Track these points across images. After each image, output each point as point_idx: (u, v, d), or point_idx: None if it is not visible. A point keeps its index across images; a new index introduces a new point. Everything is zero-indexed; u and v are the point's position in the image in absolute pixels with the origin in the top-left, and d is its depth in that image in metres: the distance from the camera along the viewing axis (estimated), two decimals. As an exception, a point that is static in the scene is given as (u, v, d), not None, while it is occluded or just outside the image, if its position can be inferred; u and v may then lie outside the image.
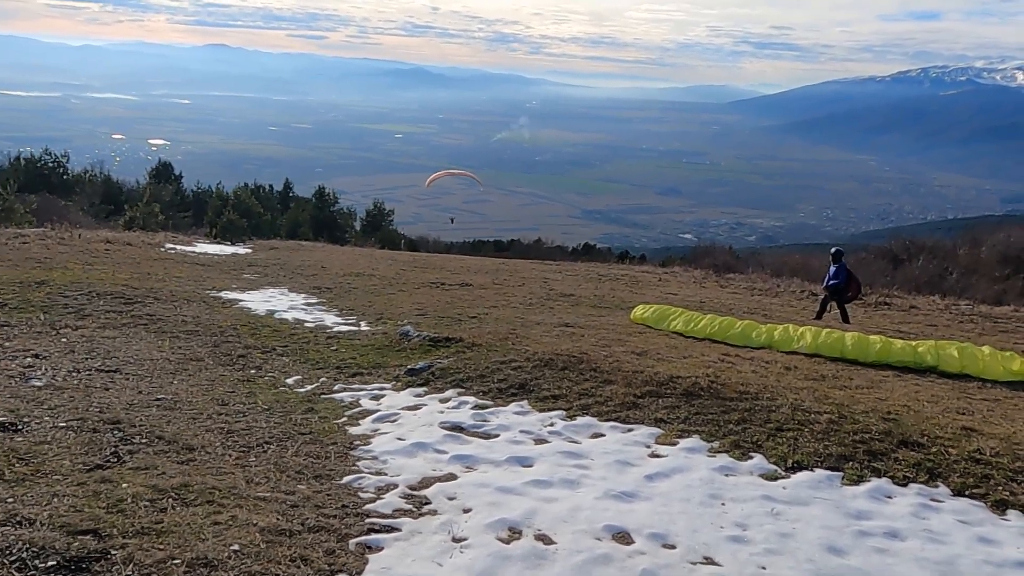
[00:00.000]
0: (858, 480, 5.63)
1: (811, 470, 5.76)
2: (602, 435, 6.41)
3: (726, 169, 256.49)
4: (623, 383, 7.45)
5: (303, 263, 21.10)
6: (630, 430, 6.50)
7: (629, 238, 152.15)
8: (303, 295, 13.87)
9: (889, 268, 40.75)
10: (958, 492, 5.50)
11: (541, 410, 6.92)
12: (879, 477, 5.69)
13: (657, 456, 5.97)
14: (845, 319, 15.09)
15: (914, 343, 9.86)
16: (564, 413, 6.84)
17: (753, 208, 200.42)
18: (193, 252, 23.58)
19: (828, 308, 15.62)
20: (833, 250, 15.72)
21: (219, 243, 31.64)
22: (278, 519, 4.22)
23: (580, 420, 6.69)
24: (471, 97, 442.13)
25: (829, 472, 5.73)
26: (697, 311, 13.50)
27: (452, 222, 72.73)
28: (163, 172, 53.24)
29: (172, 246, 24.52)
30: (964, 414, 7.32)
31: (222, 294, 13.09)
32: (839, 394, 7.74)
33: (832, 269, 15.25)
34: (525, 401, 7.13)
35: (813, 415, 6.71)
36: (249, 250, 27.73)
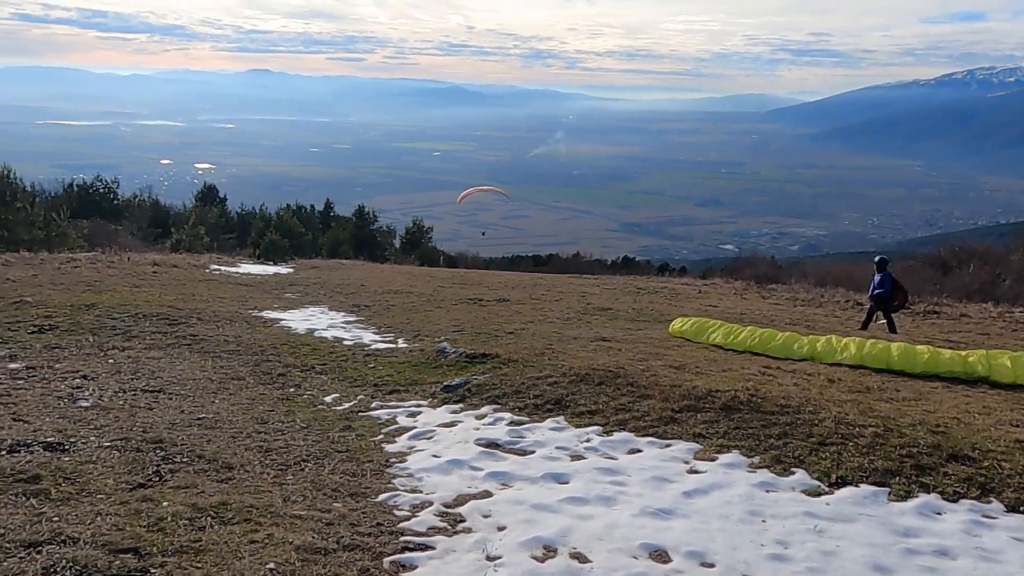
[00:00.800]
0: (905, 496, 5.45)
1: (856, 485, 5.59)
2: (639, 451, 6.32)
3: (766, 178, 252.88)
4: (660, 398, 7.36)
5: (343, 282, 21.40)
6: (668, 446, 6.40)
7: (669, 250, 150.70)
8: (342, 313, 14.05)
9: (938, 275, 39.54)
10: (1012, 508, 5.28)
11: (577, 426, 6.86)
12: (928, 493, 5.50)
13: (696, 472, 5.86)
14: (892, 329, 14.68)
15: (964, 353, 9.53)
16: (600, 429, 6.78)
17: (795, 217, 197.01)
18: (237, 273, 24.11)
19: (874, 318, 15.24)
20: (877, 259, 15.32)
21: (262, 263, 32.30)
22: (314, 537, 4.26)
23: (617, 436, 6.62)
24: (507, 114, 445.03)
25: (875, 488, 5.56)
26: (737, 323, 13.29)
27: (484, 235, 73.38)
28: (208, 195, 54.61)
29: (217, 267, 25.11)
30: (1018, 426, 7.04)
31: (264, 314, 13.33)
32: (885, 407, 7.52)
33: (877, 278, 14.87)
34: (561, 417, 7.08)
35: (857, 429, 6.53)
36: (291, 270, 28.25)
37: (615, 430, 6.74)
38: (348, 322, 12.90)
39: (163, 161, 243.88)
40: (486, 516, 4.91)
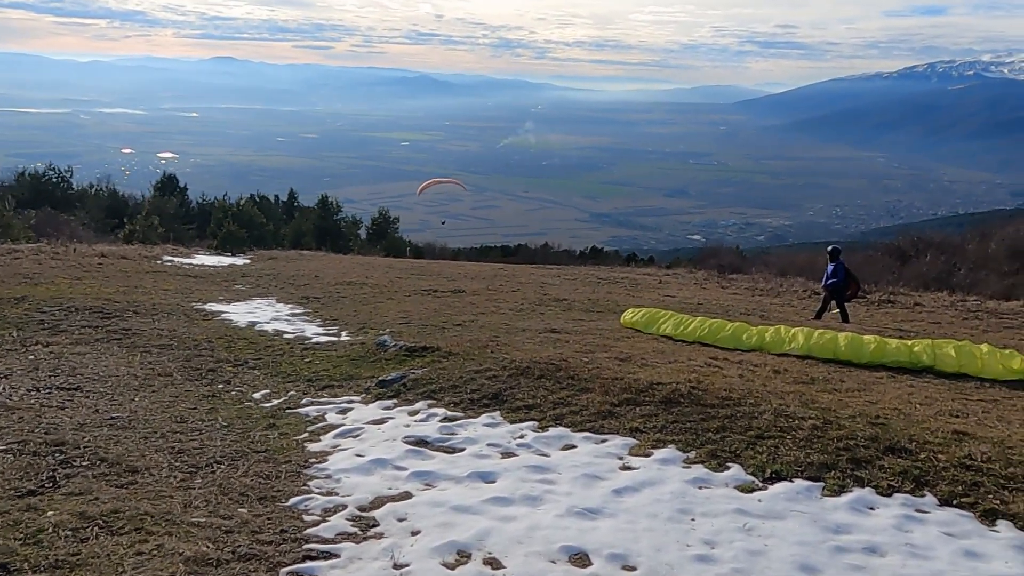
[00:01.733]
0: (839, 490, 5.32)
1: (790, 480, 5.45)
2: (574, 447, 6.12)
3: (734, 169, 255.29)
4: (601, 391, 7.17)
5: (298, 273, 20.94)
6: (604, 441, 6.22)
7: (638, 240, 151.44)
8: (290, 305, 13.66)
9: (897, 265, 40.19)
10: (945, 502, 5.18)
11: (512, 421, 6.65)
12: (862, 487, 5.37)
13: (629, 468, 5.68)
14: (845, 318, 14.72)
15: (910, 342, 9.50)
16: (536, 424, 6.57)
17: (762, 208, 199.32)
18: (190, 264, 23.50)
19: (828, 307, 15.27)
20: (830, 248, 15.33)
21: (219, 254, 31.59)
22: (208, 547, 3.97)
23: (552, 431, 6.41)
24: (477, 103, 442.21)
25: (809, 482, 5.43)
26: (692, 313, 13.19)
27: (443, 224, 73.51)
28: (168, 185, 53.64)
29: (170, 258, 24.49)
30: (958, 417, 6.99)
31: (207, 306, 12.89)
32: (827, 398, 7.42)
33: (830, 267, 14.88)
34: (497, 412, 6.85)
35: (797, 421, 6.41)
36: (248, 261, 27.69)
37: (551, 425, 6.53)
38: (294, 314, 12.53)
39: (124, 150, 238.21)
40: (401, 519, 4.66)
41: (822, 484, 5.41)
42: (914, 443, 6.02)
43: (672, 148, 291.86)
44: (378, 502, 4.92)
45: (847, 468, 5.62)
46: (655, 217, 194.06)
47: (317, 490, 5.08)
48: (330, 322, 11.69)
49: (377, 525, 4.58)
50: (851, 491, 5.31)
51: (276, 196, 57.91)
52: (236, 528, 4.27)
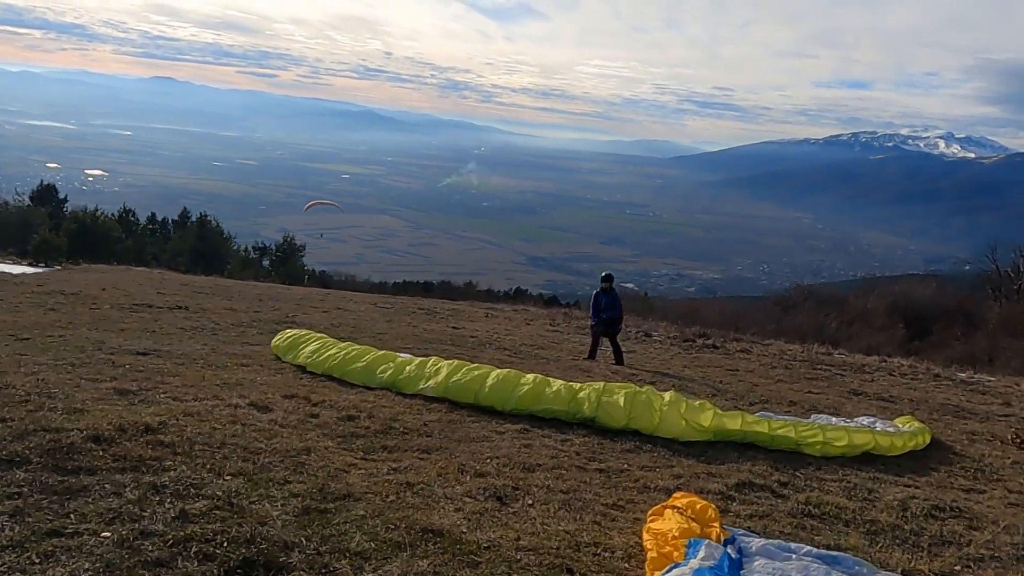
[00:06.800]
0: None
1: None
2: None
3: (668, 221, 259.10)
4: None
5: (49, 282, 17.72)
6: None
7: (572, 285, 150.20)
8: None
9: (780, 314, 39.08)
10: None
11: None
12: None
13: None
14: (619, 359, 12.28)
15: (577, 386, 7.00)
16: None
17: (693, 260, 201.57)
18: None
19: (600, 345, 12.80)
20: (604, 274, 12.90)
21: (33, 265, 28.43)
22: None
23: None
24: (420, 141, 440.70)
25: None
26: (450, 345, 10.62)
27: (321, 236, 72.36)
28: (45, 195, 53.49)
29: (-55, 265, 21.29)
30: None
31: None
32: (319, 462, 4.78)
33: (604, 299, 12.45)
34: None
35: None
36: (41, 270, 24.81)
37: None
38: None
39: (50, 164, 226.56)
40: None
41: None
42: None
43: (610, 197, 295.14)
44: None
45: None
46: (590, 264, 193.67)
47: None
48: None
49: None
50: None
51: (183, 215, 57.54)
52: None
